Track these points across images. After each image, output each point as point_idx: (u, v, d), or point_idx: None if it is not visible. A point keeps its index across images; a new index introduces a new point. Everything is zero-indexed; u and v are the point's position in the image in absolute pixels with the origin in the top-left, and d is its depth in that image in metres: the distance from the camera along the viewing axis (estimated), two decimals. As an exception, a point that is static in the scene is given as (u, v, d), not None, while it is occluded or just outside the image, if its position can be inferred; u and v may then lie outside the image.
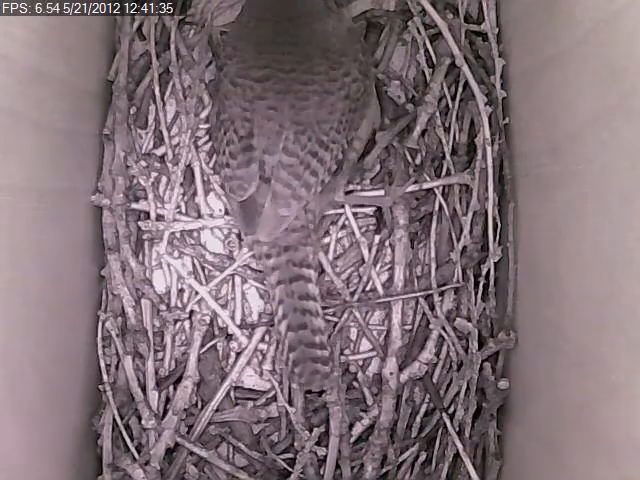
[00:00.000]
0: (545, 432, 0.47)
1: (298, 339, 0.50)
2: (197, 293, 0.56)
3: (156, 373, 0.56)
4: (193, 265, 0.57)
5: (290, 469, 0.54)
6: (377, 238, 0.56)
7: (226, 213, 0.57)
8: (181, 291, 0.57)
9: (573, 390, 0.43)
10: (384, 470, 0.55)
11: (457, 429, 0.53)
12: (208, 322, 0.56)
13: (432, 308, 0.56)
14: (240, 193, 0.48)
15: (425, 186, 0.55)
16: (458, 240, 0.55)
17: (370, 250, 0.56)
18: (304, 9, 0.49)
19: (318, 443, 0.55)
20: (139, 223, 0.56)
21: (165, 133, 0.57)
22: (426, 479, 0.55)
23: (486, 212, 0.54)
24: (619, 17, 0.36)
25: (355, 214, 0.56)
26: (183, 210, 0.57)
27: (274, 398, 0.56)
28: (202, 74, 0.56)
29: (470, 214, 0.55)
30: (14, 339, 0.43)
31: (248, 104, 0.48)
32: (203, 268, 0.57)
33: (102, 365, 0.55)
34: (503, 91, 0.54)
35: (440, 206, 0.56)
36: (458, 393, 0.54)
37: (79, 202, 0.54)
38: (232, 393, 0.57)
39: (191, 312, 0.56)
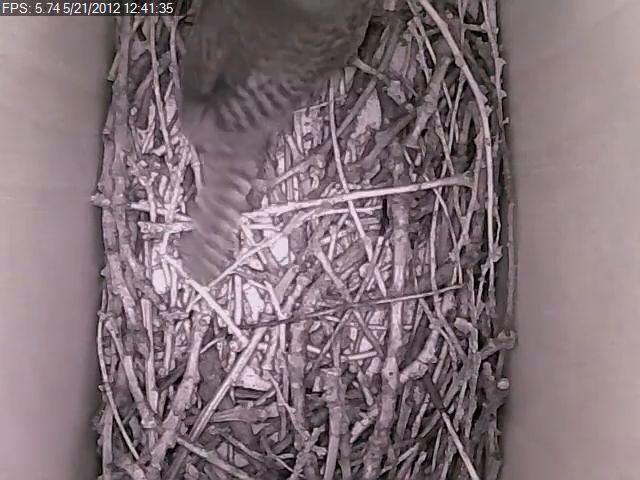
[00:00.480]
0: (545, 432, 0.47)
1: (207, 239, 0.51)
2: (197, 293, 0.56)
3: (156, 373, 0.56)
4: (193, 265, 0.57)
5: (290, 469, 0.54)
6: (380, 240, 0.56)
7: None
8: (181, 291, 0.57)
9: (573, 390, 0.43)
10: (384, 470, 0.55)
11: (457, 429, 0.53)
12: (208, 322, 0.56)
13: (432, 308, 0.56)
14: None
15: (424, 186, 0.55)
16: (458, 240, 0.55)
17: (374, 250, 0.56)
18: None
19: (318, 443, 0.55)
20: (139, 223, 0.56)
21: (165, 133, 0.57)
22: (426, 479, 0.56)
23: (486, 212, 0.54)
24: (619, 17, 0.36)
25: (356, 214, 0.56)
26: (183, 210, 0.57)
27: (274, 398, 0.56)
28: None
29: (469, 214, 0.55)
30: (14, 339, 0.43)
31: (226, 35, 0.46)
32: (203, 268, 0.57)
33: (102, 365, 0.55)
34: (503, 91, 0.54)
35: (440, 206, 0.56)
36: (458, 393, 0.54)
37: (79, 202, 0.54)
38: (232, 393, 0.57)
39: (191, 312, 0.56)
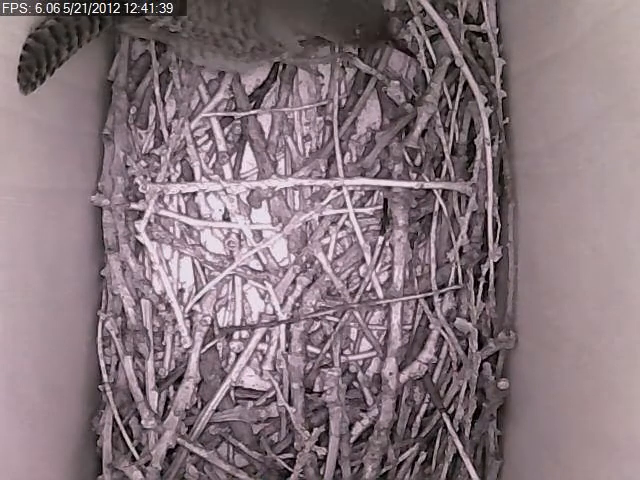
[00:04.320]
0: (545, 432, 0.47)
1: None
2: (197, 293, 0.56)
3: (156, 373, 0.56)
4: (193, 265, 0.57)
5: (290, 469, 0.54)
6: (380, 240, 0.56)
7: (226, 213, 0.57)
8: (181, 291, 0.57)
9: (573, 390, 0.43)
10: (384, 470, 0.55)
11: (457, 429, 0.53)
12: (209, 322, 0.56)
13: (432, 308, 0.56)
14: None
15: (417, 186, 0.55)
16: (457, 240, 0.55)
17: (373, 253, 0.56)
18: None
19: (318, 443, 0.55)
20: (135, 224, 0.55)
21: (165, 133, 0.57)
22: (426, 479, 0.56)
23: (486, 212, 0.54)
24: (619, 17, 0.36)
25: (355, 214, 0.56)
26: (183, 210, 0.57)
27: (274, 398, 0.56)
28: (201, 74, 0.56)
29: (468, 215, 0.55)
30: (15, 339, 0.43)
31: None
32: (203, 268, 0.57)
33: (102, 365, 0.55)
34: (503, 91, 0.54)
35: (440, 207, 0.56)
36: (458, 393, 0.54)
37: (79, 202, 0.54)
38: (232, 393, 0.57)
39: (191, 312, 0.56)
